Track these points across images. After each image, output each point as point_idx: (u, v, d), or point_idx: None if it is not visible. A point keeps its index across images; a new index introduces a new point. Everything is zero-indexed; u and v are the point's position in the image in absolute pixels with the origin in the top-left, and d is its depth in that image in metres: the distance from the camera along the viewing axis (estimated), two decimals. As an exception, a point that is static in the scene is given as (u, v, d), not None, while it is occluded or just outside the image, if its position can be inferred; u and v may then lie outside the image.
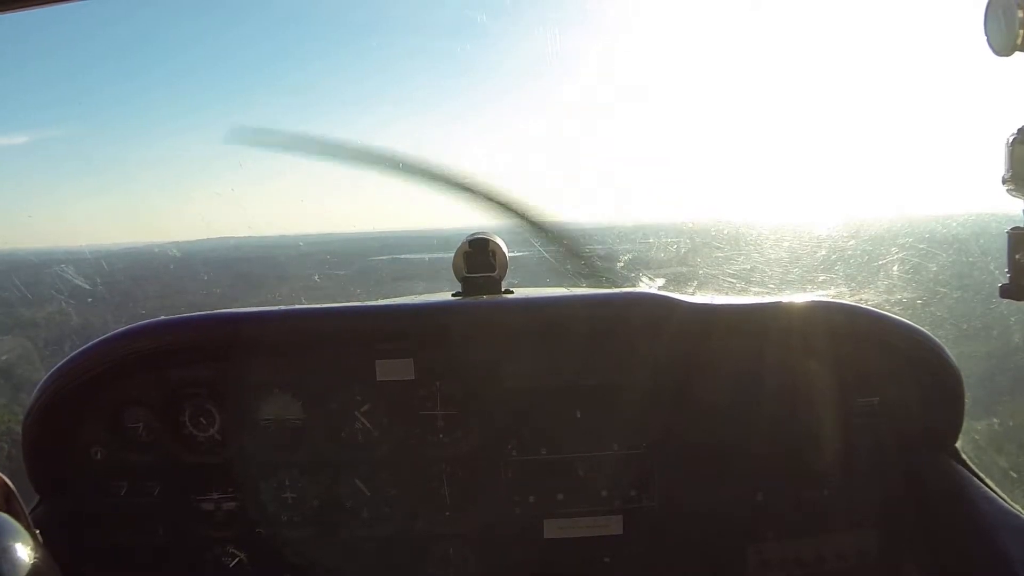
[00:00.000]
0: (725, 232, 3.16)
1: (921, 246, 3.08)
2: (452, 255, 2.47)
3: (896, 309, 2.60)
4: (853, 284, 2.96)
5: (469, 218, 2.50)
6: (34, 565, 0.97)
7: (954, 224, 3.16)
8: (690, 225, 3.21)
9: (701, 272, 2.96)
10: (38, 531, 1.11)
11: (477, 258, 2.42)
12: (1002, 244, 1.27)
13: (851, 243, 3.09)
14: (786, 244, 3.04)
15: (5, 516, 1.05)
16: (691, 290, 2.64)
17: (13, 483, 1.20)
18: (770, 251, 3.03)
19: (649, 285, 2.63)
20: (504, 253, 2.47)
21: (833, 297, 2.70)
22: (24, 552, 0.97)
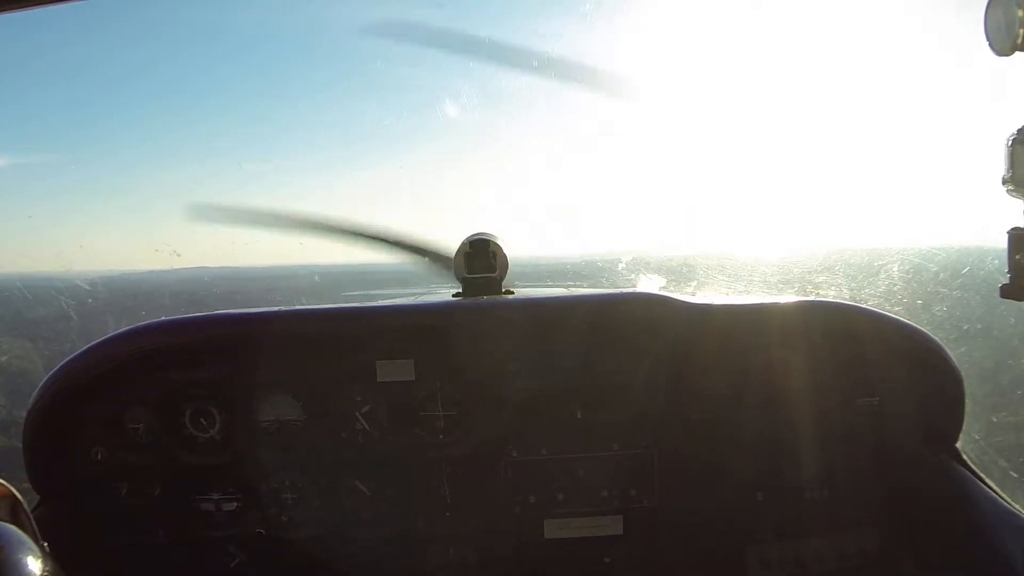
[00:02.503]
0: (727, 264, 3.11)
1: (921, 246, 3.08)
2: (440, 290, 2.50)
3: (896, 309, 2.60)
4: (853, 284, 2.96)
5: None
6: None
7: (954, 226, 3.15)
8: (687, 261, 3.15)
9: (701, 272, 2.96)
10: (45, 543, 1.10)
11: (477, 259, 2.42)
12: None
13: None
14: (784, 251, 3.03)
15: (13, 528, 1.04)
16: (691, 290, 2.64)
17: (14, 484, 1.19)
18: (768, 253, 3.03)
19: (649, 285, 2.63)
20: (505, 254, 2.47)
21: (833, 297, 2.70)
22: (34, 565, 0.97)
